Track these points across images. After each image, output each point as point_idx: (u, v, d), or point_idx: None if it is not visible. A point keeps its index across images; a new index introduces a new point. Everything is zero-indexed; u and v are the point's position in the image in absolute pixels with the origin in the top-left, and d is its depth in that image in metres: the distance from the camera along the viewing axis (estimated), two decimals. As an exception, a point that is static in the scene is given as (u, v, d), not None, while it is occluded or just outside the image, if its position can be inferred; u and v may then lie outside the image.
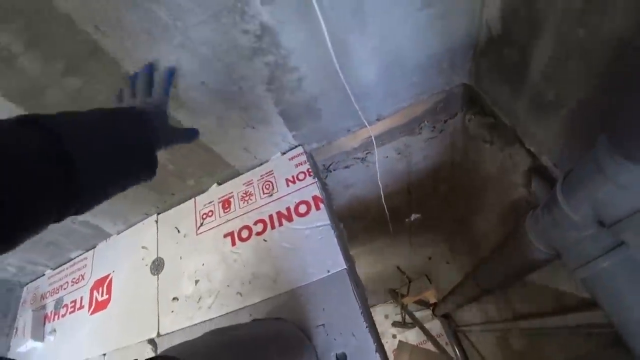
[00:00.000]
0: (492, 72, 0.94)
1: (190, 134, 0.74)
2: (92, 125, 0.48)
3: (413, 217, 1.92)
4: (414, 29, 0.85)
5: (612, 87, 0.58)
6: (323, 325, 0.82)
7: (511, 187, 1.14)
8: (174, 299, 1.10)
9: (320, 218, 0.93)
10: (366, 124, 1.05)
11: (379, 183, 1.23)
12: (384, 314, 4.19)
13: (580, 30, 0.60)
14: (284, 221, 0.98)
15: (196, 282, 1.07)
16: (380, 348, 0.78)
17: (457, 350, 3.24)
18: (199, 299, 1.05)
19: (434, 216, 1.95)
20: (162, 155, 1.05)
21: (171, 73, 0.77)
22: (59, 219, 0.43)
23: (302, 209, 0.97)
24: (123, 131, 0.51)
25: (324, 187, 1.08)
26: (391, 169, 1.37)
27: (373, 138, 1.09)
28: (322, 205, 0.95)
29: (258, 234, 1.00)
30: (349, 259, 0.92)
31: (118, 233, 1.39)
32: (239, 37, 0.78)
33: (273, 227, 0.98)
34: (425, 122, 1.18)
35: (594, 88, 0.63)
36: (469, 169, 1.37)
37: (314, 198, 0.97)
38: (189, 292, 1.07)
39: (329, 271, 0.86)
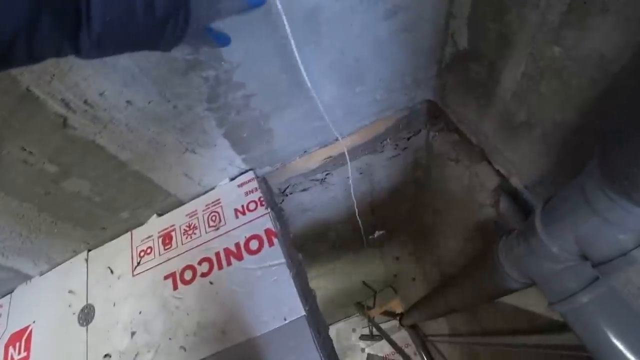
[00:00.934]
0: (459, 89, 0.88)
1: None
2: None
3: (377, 234, 1.85)
4: (376, 42, 0.76)
5: (597, 110, 0.52)
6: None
7: (478, 207, 1.09)
8: (105, 356, 0.92)
9: (274, 255, 0.81)
10: (339, 136, 0.94)
11: (353, 198, 1.12)
12: (352, 328, 4.10)
13: (555, 48, 0.54)
14: (232, 260, 0.84)
15: (132, 334, 0.90)
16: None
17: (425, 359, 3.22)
18: (136, 355, 0.88)
19: (399, 233, 1.90)
20: (85, 185, 0.88)
21: None
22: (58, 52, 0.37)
23: (254, 245, 0.84)
24: None
25: (278, 216, 0.96)
26: (354, 189, 1.27)
27: (346, 152, 0.97)
28: (275, 241, 0.83)
29: (203, 275, 0.86)
30: (308, 299, 0.80)
31: (41, 274, 1.17)
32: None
33: (220, 267, 0.84)
34: (388, 139, 1.11)
35: (572, 109, 0.57)
36: (433, 186, 1.31)
37: (267, 232, 0.85)
38: (124, 347, 0.90)
39: (285, 319, 0.74)
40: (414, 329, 3.37)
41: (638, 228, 0.47)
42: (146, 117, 0.75)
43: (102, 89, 0.67)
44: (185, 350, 0.82)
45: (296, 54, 0.67)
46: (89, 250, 1.13)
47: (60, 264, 1.16)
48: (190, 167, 0.92)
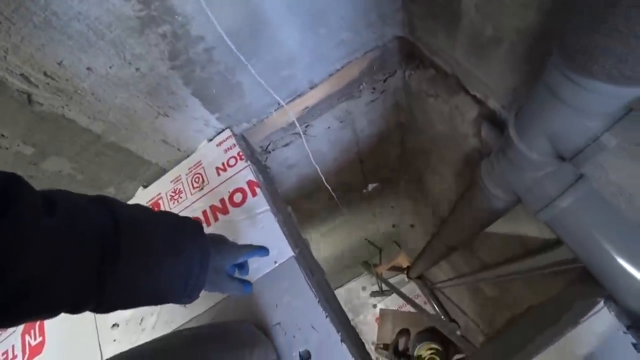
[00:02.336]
0: (426, 19, 0.88)
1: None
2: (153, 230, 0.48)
3: (370, 187, 1.89)
4: (329, -23, 0.75)
5: (556, 9, 0.53)
6: (279, 323, 0.75)
7: (463, 139, 1.11)
8: (113, 325, 0.98)
9: (259, 204, 0.85)
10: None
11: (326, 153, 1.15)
12: (362, 286, 4.27)
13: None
14: (219, 215, 0.88)
15: (114, 325, 0.96)
16: (347, 335, 0.73)
17: (435, 307, 3.37)
18: (141, 320, 0.94)
19: (392, 182, 1.94)
20: (65, 164, 0.91)
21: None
22: (73, 309, 0.42)
23: (237, 197, 0.88)
24: (180, 249, 0.50)
25: (261, 170, 0.99)
26: (336, 139, 1.30)
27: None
28: (258, 190, 0.86)
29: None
30: (299, 244, 0.85)
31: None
32: (119, 4, 0.65)
33: (209, 224, 0.88)
34: (364, 83, 1.11)
35: (533, 12, 0.57)
36: (417, 127, 1.33)
37: (249, 183, 0.88)
38: (129, 315, 0.96)
39: (275, 262, 0.78)
40: (421, 279, 3.51)
41: (603, 111, 0.48)
42: (110, 83, 0.76)
43: (59, 57, 0.68)
44: (185, 307, 0.88)
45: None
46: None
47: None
48: (166, 133, 0.93)
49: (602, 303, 0.67)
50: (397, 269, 3.83)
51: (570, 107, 0.49)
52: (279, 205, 0.90)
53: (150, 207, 0.88)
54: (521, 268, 1.29)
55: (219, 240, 0.62)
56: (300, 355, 0.73)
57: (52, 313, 0.40)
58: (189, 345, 0.57)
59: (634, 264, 0.60)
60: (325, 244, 2.69)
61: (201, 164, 0.97)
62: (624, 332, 0.64)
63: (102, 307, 0.43)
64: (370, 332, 3.94)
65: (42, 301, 0.38)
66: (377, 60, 1.06)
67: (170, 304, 0.53)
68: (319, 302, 0.74)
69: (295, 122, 1.05)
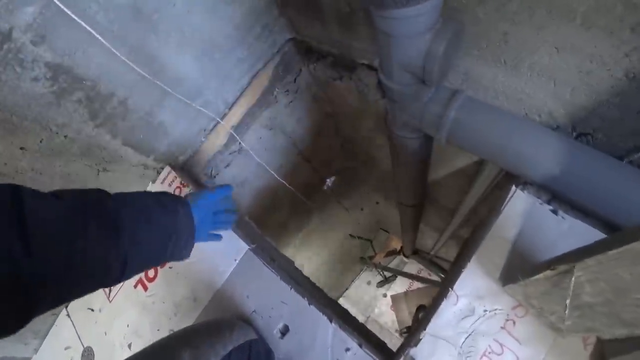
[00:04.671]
0: (301, 16, 1.05)
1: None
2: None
3: (329, 181, 2.03)
4: (204, 8, 0.91)
5: None
6: (254, 311, 0.87)
7: (376, 105, 1.27)
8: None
9: (210, 218, 0.97)
10: (217, 117, 1.09)
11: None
12: (367, 281, 4.38)
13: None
14: (180, 240, 1.00)
15: (129, 345, 1.06)
16: (315, 299, 0.86)
17: (440, 274, 3.53)
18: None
19: (348, 172, 2.09)
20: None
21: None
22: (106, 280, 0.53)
23: (191, 219, 1.00)
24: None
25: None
26: (273, 146, 1.44)
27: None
28: (206, 207, 0.99)
29: (162, 265, 1.01)
30: (255, 240, 0.97)
31: (35, 351, 1.30)
32: (32, 86, 0.77)
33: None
34: (277, 89, 1.27)
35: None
36: (342, 112, 1.49)
37: (196, 204, 1.00)
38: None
39: (235, 259, 0.91)
40: (417, 254, 3.67)
41: (415, 30, 0.62)
42: (45, 155, 0.88)
43: (-8, 145, 0.79)
44: (174, 331, 0.98)
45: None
46: (66, 306, 1.26)
47: (48, 332, 1.28)
48: (111, 187, 1.05)
49: (514, 187, 0.81)
50: (393, 253, 3.98)
51: (395, 37, 0.64)
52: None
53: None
54: (474, 197, 1.44)
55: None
56: (280, 331, 0.85)
57: (89, 289, 0.50)
58: (176, 337, 0.72)
59: (528, 146, 0.72)
60: (308, 251, 2.79)
61: (152, 203, 1.09)
62: (540, 204, 0.78)
63: (126, 273, 0.54)
64: (389, 321, 4.05)
65: (79, 279, 0.47)
66: (279, 65, 1.22)
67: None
68: (281, 278, 0.86)
69: (234, 134, 1.19)
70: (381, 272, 3.99)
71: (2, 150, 0.81)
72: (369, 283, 4.33)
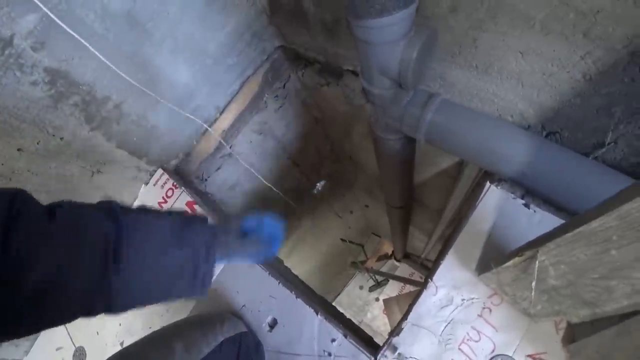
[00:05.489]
0: (289, 24, 1.10)
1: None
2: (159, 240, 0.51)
3: (318, 185, 2.07)
4: (197, 17, 0.96)
5: None
6: (244, 305, 0.90)
7: (361, 110, 1.32)
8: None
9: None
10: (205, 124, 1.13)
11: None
12: (358, 286, 4.41)
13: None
14: (172, 239, 1.03)
15: (121, 344, 1.08)
16: (302, 292, 0.89)
17: (431, 278, 3.56)
18: (132, 356, 1.05)
19: (337, 176, 2.13)
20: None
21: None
22: (87, 312, 0.45)
23: (182, 218, 1.03)
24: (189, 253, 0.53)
25: (198, 192, 1.15)
26: (263, 151, 1.48)
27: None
28: (197, 206, 1.03)
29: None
30: (245, 239, 1.00)
31: (26, 353, 1.30)
32: (30, 90, 0.81)
33: (166, 249, 1.03)
34: (266, 95, 1.31)
35: None
36: (330, 116, 1.54)
37: (188, 204, 1.04)
38: (120, 357, 1.07)
39: (226, 256, 0.94)
40: (409, 257, 3.71)
41: (389, 39, 0.67)
42: (42, 157, 0.91)
43: (-10, 147, 0.82)
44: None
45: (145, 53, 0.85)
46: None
47: (38, 334, 1.29)
48: (106, 188, 1.08)
49: (488, 183, 0.86)
50: (385, 257, 4.01)
51: (371, 45, 0.69)
52: (219, 214, 1.06)
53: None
54: (458, 197, 1.48)
55: (225, 227, 0.66)
56: (269, 325, 0.89)
57: (67, 318, 0.44)
58: (169, 329, 0.74)
59: (501, 144, 0.77)
60: (299, 256, 2.81)
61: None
62: (513, 198, 0.83)
63: (113, 307, 0.47)
64: (382, 325, 4.07)
65: (54, 305, 0.41)
66: (269, 72, 1.27)
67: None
68: (269, 274, 0.90)
69: (223, 141, 1.22)
70: (373, 277, 4.02)
71: (0, 151, 0.84)
72: (361, 287, 4.36)
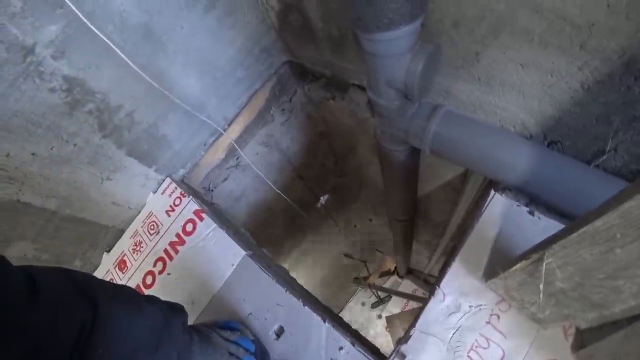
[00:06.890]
0: (296, 40, 1.14)
1: None
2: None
3: (322, 199, 2.09)
4: (208, 32, 1.00)
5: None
6: (251, 313, 0.90)
7: (366, 123, 1.35)
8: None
9: (208, 225, 1.03)
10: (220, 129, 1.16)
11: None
12: (361, 302, 4.35)
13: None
14: (178, 247, 1.04)
15: None
16: (308, 301, 0.89)
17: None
18: None
19: (342, 190, 2.14)
20: (28, 246, 1.03)
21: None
22: None
23: (189, 227, 1.05)
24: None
25: (205, 202, 1.16)
26: (268, 163, 1.51)
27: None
28: (204, 215, 1.04)
29: (160, 272, 1.05)
30: (251, 248, 1.01)
31: None
32: (48, 97, 0.83)
33: (171, 259, 1.04)
34: (273, 108, 1.35)
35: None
36: (334, 130, 1.57)
37: (196, 212, 1.06)
38: None
39: (233, 264, 0.95)
40: (412, 273, 3.68)
41: (398, 51, 0.70)
42: (55, 162, 0.93)
43: (6, 151, 0.84)
44: None
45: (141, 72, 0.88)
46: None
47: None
48: (115, 195, 1.09)
49: (493, 192, 0.88)
50: (387, 273, 3.98)
51: (379, 57, 0.72)
52: (227, 223, 1.08)
53: (138, 291, 0.79)
54: (462, 209, 1.49)
55: (206, 339, 0.68)
56: (275, 333, 0.88)
57: None
58: None
59: (504, 154, 0.80)
60: (302, 270, 2.80)
61: (152, 213, 1.14)
62: (518, 206, 0.85)
63: None
64: (385, 343, 3.99)
65: None
66: (276, 86, 1.31)
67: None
68: (276, 282, 0.90)
69: (237, 147, 1.25)
70: (375, 293, 3.98)
71: (14, 155, 0.86)
72: (363, 304, 4.30)
